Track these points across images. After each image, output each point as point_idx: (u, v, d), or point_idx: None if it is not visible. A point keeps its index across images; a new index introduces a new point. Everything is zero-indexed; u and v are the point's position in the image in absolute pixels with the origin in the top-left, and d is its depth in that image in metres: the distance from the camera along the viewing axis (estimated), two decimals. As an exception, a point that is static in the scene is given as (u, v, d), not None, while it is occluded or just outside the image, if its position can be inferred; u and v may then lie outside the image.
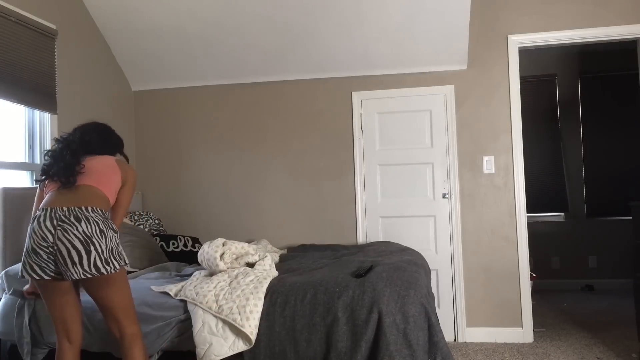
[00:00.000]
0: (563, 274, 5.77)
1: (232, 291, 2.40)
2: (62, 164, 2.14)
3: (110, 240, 2.07)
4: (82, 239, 1.99)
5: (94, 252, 2.00)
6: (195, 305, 2.37)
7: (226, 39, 3.84)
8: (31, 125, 3.27)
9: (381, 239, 3.97)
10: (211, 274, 2.64)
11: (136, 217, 3.81)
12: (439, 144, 3.94)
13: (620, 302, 4.96)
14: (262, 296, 2.36)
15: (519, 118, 3.88)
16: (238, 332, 2.31)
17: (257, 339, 2.28)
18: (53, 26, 3.33)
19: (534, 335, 3.84)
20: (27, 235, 2.04)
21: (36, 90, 3.15)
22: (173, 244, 3.53)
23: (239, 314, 2.29)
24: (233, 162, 4.20)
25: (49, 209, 2.03)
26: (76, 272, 1.98)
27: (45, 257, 2.00)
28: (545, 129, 5.90)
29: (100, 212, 2.09)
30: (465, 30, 3.65)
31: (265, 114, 4.18)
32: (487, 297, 3.84)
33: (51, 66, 3.30)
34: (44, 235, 1.99)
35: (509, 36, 3.89)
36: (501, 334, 3.80)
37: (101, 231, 2.04)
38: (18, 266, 2.67)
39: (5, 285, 2.67)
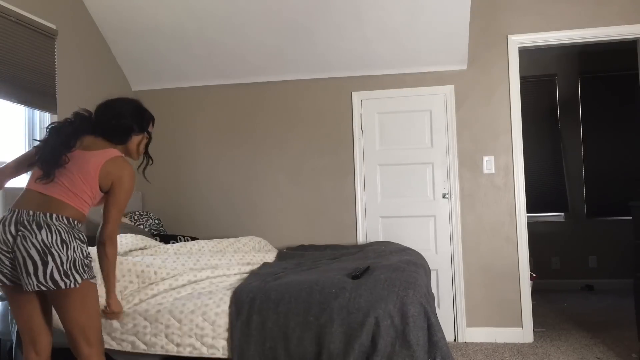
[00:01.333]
0: (563, 274, 5.77)
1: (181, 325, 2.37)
2: (49, 148, 1.98)
3: (74, 251, 1.90)
4: (39, 248, 1.85)
5: (51, 263, 1.84)
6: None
7: (226, 38, 3.84)
8: (31, 125, 3.27)
9: (381, 239, 3.97)
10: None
11: (136, 217, 3.80)
12: (439, 144, 3.94)
13: (620, 302, 4.96)
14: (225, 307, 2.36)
15: (519, 118, 3.88)
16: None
17: (248, 334, 2.26)
18: (53, 26, 3.33)
19: (534, 335, 3.84)
20: None
21: (36, 90, 3.15)
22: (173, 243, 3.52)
23: (205, 346, 2.31)
24: (233, 162, 4.20)
25: (16, 211, 1.92)
26: (30, 284, 1.85)
27: (7, 262, 1.89)
28: (545, 129, 5.90)
29: (66, 220, 1.93)
30: (465, 30, 3.65)
31: (265, 114, 4.18)
32: (487, 297, 3.84)
33: (51, 66, 3.30)
34: (5, 239, 1.88)
35: (509, 36, 3.89)
36: (501, 334, 3.80)
37: (62, 241, 1.88)
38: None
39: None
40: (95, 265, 2.27)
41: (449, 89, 3.93)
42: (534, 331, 3.88)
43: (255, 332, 2.26)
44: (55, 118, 3.34)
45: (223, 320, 2.31)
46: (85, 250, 1.98)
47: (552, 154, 5.89)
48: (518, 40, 3.89)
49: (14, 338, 2.60)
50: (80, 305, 1.95)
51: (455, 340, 3.84)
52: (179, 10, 3.67)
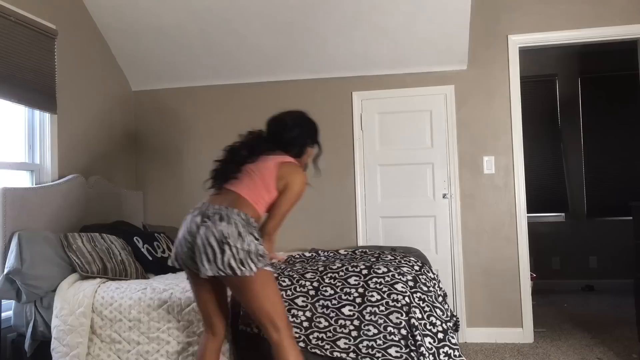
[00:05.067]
0: (563, 274, 5.77)
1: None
2: (220, 171, 2.24)
3: (249, 245, 2.01)
4: (217, 237, 1.99)
5: (228, 252, 1.97)
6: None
7: (226, 39, 3.84)
8: (31, 125, 3.27)
9: (381, 239, 3.97)
10: None
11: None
12: (439, 144, 3.94)
13: (621, 302, 4.95)
14: None
15: (519, 118, 3.88)
16: None
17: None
18: (53, 26, 3.33)
19: (535, 336, 3.84)
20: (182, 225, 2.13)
21: (36, 90, 3.15)
22: (158, 246, 3.38)
23: None
24: (233, 162, 4.19)
25: (204, 203, 2.12)
26: (211, 269, 1.99)
27: (186, 249, 2.06)
28: (545, 129, 5.90)
29: (244, 216, 2.06)
30: (465, 30, 3.65)
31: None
32: (488, 297, 3.83)
33: (51, 66, 3.29)
34: (190, 229, 2.05)
35: (509, 36, 3.89)
36: (501, 334, 3.79)
37: (239, 233, 2.01)
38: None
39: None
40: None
41: (449, 89, 3.93)
42: (535, 331, 3.88)
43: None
44: (55, 118, 3.34)
45: None
46: (258, 246, 2.05)
47: (552, 154, 5.88)
48: (518, 40, 3.88)
49: (29, 332, 2.64)
50: (259, 293, 2.04)
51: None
52: (179, 11, 3.67)
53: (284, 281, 2.48)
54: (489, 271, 3.84)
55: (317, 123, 2.41)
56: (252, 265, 1.99)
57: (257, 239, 2.05)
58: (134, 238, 3.27)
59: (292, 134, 2.33)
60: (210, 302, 2.19)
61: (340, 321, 2.31)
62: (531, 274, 3.89)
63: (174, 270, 3.21)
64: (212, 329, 2.21)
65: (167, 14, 3.70)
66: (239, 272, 1.98)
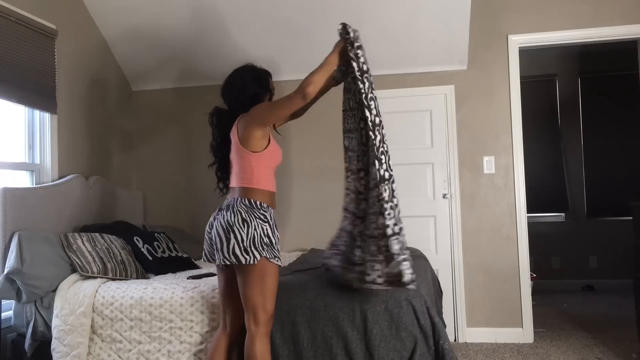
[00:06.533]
0: (563, 274, 5.77)
1: None
2: (217, 177, 2.46)
3: (255, 230, 2.09)
4: (224, 227, 2.10)
5: (233, 240, 2.06)
6: None
7: (226, 38, 3.84)
8: (31, 125, 3.27)
9: (381, 239, 3.96)
10: None
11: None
12: (439, 144, 3.94)
13: (621, 302, 4.95)
14: None
15: (519, 118, 3.89)
16: None
17: None
18: (53, 26, 3.33)
19: (534, 336, 3.84)
20: None
21: (36, 90, 3.15)
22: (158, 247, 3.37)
23: None
24: (233, 162, 4.19)
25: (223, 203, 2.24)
26: (218, 257, 2.12)
27: (207, 243, 2.24)
28: (545, 129, 5.90)
29: (246, 202, 2.15)
30: (465, 30, 3.65)
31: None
32: (487, 297, 3.83)
33: (51, 66, 3.29)
34: (209, 224, 2.23)
35: (509, 36, 3.89)
36: (501, 334, 3.80)
37: (243, 220, 2.09)
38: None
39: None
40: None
41: (449, 89, 3.93)
42: (534, 331, 3.88)
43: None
44: (55, 118, 3.34)
45: None
46: (267, 231, 2.13)
47: (552, 154, 5.88)
48: (518, 40, 3.88)
49: (29, 332, 2.66)
50: (255, 283, 2.09)
51: (455, 340, 3.83)
52: (179, 10, 3.66)
53: None
54: (489, 271, 3.84)
55: (256, 67, 2.42)
56: (257, 254, 2.06)
57: (265, 221, 2.12)
58: (134, 238, 3.27)
59: (238, 95, 2.35)
60: (226, 296, 2.25)
61: None
62: (531, 274, 3.89)
63: (173, 270, 3.22)
64: (224, 321, 2.26)
65: (167, 14, 3.70)
66: (242, 260, 2.04)
